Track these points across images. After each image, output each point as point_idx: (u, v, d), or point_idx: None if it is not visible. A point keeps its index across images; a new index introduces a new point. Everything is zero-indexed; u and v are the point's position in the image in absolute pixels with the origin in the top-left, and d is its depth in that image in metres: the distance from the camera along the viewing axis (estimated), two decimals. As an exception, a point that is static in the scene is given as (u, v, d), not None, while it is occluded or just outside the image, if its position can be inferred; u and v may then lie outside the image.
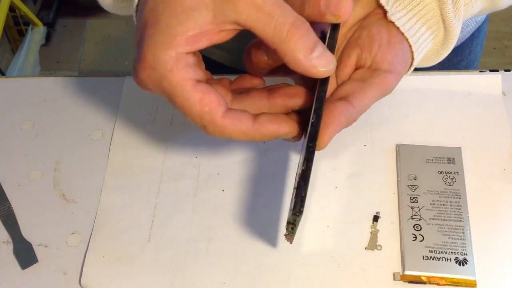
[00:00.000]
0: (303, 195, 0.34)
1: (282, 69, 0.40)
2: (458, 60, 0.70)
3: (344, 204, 0.53)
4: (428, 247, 0.48)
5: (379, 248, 0.50)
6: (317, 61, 0.35)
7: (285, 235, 0.36)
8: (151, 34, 0.35)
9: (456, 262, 0.48)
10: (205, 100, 0.36)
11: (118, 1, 0.47)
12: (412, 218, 0.50)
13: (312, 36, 0.35)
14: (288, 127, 0.38)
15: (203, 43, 0.36)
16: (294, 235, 0.36)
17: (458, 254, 0.48)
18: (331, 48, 0.39)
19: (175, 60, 0.35)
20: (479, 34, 0.71)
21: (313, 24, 0.36)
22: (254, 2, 0.34)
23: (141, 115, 0.60)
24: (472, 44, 0.71)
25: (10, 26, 1.88)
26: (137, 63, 0.36)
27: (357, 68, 0.43)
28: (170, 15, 0.35)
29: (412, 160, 0.54)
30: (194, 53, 0.37)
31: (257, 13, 0.34)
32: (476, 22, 0.67)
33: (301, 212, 0.34)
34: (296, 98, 0.40)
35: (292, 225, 0.35)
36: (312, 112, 0.37)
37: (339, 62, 0.43)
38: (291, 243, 0.37)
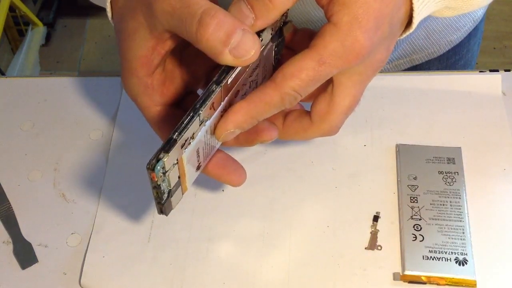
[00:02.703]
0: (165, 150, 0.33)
1: None
2: (456, 59, 0.70)
3: (344, 204, 0.53)
4: (428, 247, 0.48)
5: (379, 248, 0.50)
6: (235, 52, 0.33)
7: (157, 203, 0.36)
8: (120, 57, 0.39)
9: (456, 262, 0.48)
10: (164, 127, 0.40)
11: None
12: (412, 218, 0.50)
13: (225, 27, 0.32)
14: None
15: (156, 59, 0.37)
16: (163, 204, 0.35)
17: (458, 254, 0.48)
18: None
19: (137, 86, 0.38)
20: (476, 32, 0.71)
21: None
22: (165, 9, 0.34)
23: (141, 115, 0.60)
24: (470, 43, 0.71)
25: (10, 26, 1.89)
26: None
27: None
28: (122, 41, 0.38)
29: (412, 160, 0.54)
30: (158, 72, 0.38)
31: (172, 19, 0.34)
32: (473, 21, 0.68)
33: (153, 165, 0.32)
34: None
35: (157, 189, 0.34)
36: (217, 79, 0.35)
37: None
38: (166, 215, 0.37)
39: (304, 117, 0.40)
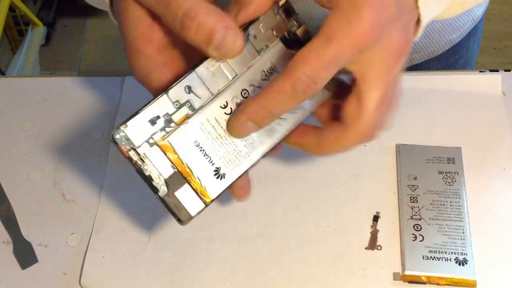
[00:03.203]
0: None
1: None
2: (455, 58, 0.70)
3: (344, 204, 0.53)
4: (428, 247, 0.48)
5: (379, 248, 0.50)
6: (219, 49, 0.33)
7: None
8: (124, 44, 0.37)
9: (456, 262, 0.48)
10: None
11: None
12: (412, 218, 0.50)
13: (206, 28, 0.32)
14: None
15: (158, 35, 0.36)
16: (167, 203, 0.36)
17: (458, 254, 0.48)
18: None
19: (147, 65, 0.36)
20: (476, 32, 0.71)
21: None
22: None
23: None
24: (469, 43, 0.71)
25: (10, 26, 1.88)
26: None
27: None
28: (122, 28, 0.37)
29: (412, 160, 0.54)
30: (167, 49, 0.37)
31: (156, 4, 0.34)
32: (473, 20, 0.68)
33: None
34: None
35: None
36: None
37: None
38: (181, 223, 0.37)
39: (336, 125, 0.37)
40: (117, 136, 0.34)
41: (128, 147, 0.34)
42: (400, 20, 0.35)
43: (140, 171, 0.35)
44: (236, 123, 0.35)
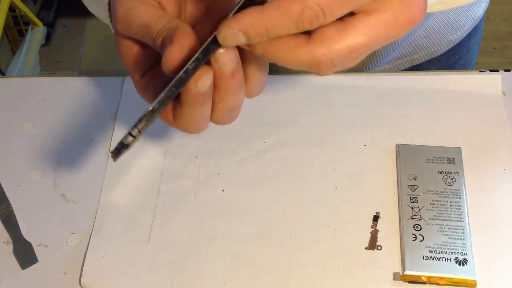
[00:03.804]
0: (140, 132, 0.34)
1: None
2: (456, 58, 0.70)
3: (344, 204, 0.53)
4: (428, 247, 0.48)
5: (379, 248, 0.50)
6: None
7: (111, 152, 0.36)
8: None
9: (456, 262, 0.48)
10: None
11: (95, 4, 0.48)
12: (412, 218, 0.50)
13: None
14: None
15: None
16: (119, 157, 0.36)
17: (458, 254, 0.48)
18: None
19: (149, 12, 0.36)
20: (476, 32, 0.71)
21: None
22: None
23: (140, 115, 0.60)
24: (470, 43, 0.71)
25: (10, 26, 1.88)
26: None
27: None
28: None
29: (412, 160, 0.54)
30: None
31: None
32: (473, 20, 0.68)
33: (128, 146, 0.34)
34: None
35: (118, 151, 0.35)
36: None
37: None
38: (114, 161, 0.36)
39: (303, 35, 0.32)
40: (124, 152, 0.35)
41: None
42: None
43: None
44: (227, 29, 0.31)
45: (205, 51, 0.32)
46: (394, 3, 0.31)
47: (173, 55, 0.32)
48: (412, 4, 0.31)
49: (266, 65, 0.36)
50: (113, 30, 0.41)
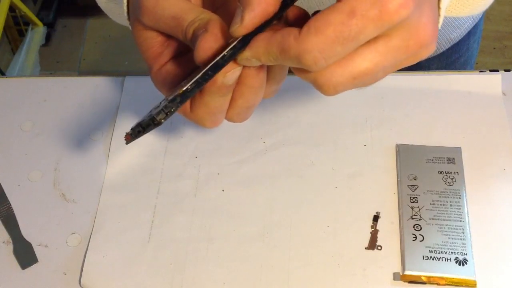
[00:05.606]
0: (172, 110, 0.33)
1: None
2: (456, 57, 0.71)
3: (344, 204, 0.53)
4: (428, 247, 0.48)
5: (379, 248, 0.50)
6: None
7: (127, 133, 0.35)
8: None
9: (456, 262, 0.48)
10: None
11: (110, 1, 0.48)
12: (412, 218, 0.50)
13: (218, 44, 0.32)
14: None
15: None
16: (134, 139, 0.35)
17: (458, 254, 0.48)
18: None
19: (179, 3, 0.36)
20: (476, 31, 0.71)
21: None
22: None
23: (141, 115, 0.60)
24: (469, 41, 0.71)
25: (10, 26, 1.88)
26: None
27: None
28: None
29: (412, 160, 0.54)
30: None
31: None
32: (473, 18, 0.68)
33: (159, 123, 0.33)
34: None
35: (142, 129, 0.34)
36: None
37: None
38: (126, 144, 0.36)
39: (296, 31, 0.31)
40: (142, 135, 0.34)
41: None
42: (426, 3, 0.31)
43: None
44: (244, 57, 0.32)
45: (243, 40, 0.32)
46: (401, 28, 0.30)
47: (207, 44, 0.33)
48: (420, 27, 0.30)
49: (286, 69, 0.37)
50: (128, 23, 0.41)
